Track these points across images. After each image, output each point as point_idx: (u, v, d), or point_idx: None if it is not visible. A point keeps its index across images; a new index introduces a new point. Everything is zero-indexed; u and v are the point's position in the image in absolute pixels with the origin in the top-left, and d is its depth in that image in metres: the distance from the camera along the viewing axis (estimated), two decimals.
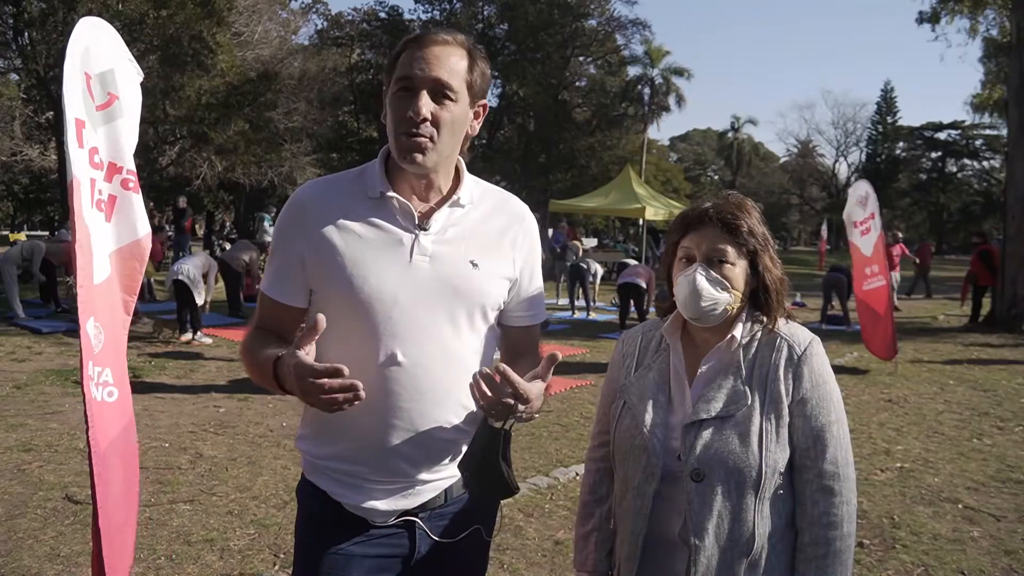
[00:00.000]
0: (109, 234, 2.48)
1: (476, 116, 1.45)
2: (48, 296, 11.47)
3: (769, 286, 1.46)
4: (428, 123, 1.34)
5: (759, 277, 1.46)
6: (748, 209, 1.47)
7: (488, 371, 1.29)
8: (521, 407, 1.29)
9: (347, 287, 1.35)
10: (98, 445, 2.18)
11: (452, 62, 1.36)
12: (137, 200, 2.57)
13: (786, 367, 1.41)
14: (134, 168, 2.57)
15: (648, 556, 1.44)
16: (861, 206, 8.39)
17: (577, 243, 14.43)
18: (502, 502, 1.61)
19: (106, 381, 2.33)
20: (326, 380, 1.20)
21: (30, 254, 10.99)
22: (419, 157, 1.35)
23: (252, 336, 1.46)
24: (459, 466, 1.36)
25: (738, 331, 1.45)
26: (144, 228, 2.59)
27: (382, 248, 1.38)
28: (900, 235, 17.38)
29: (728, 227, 1.43)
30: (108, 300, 2.44)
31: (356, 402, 1.22)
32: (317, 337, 1.26)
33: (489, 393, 1.28)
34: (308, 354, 1.25)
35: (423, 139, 1.34)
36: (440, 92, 1.34)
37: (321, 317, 1.25)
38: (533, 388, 1.31)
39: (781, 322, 1.47)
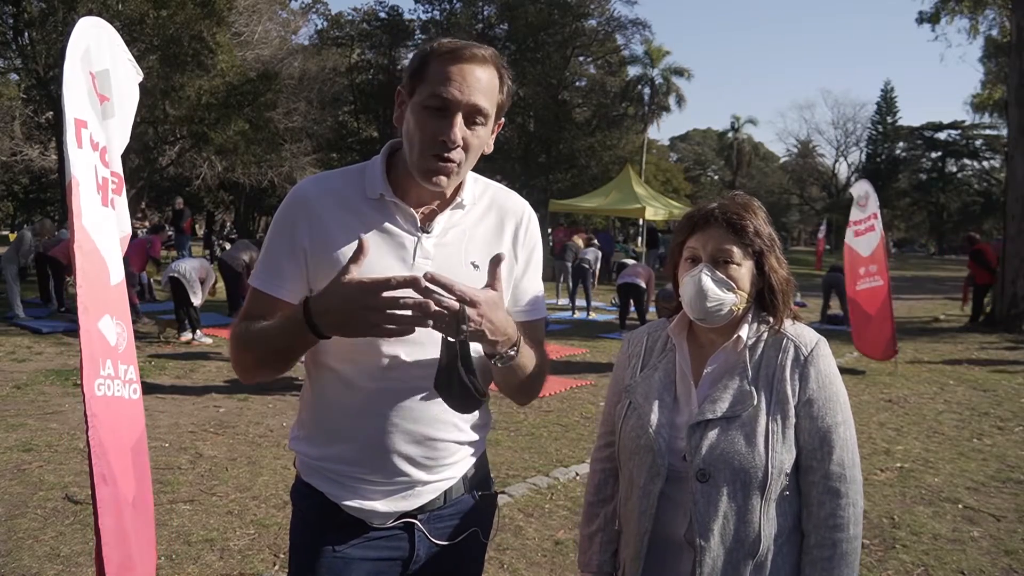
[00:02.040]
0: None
1: (492, 133, 1.42)
2: (48, 296, 11.48)
3: (775, 287, 1.45)
4: (460, 148, 1.31)
5: (765, 278, 1.45)
6: (754, 210, 1.46)
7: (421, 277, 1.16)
8: (471, 312, 1.18)
9: None
10: (105, 442, 2.18)
11: (486, 83, 1.31)
12: (120, 202, 2.57)
13: (792, 368, 1.41)
14: (120, 170, 2.56)
15: (653, 557, 1.44)
16: (860, 206, 8.39)
17: (578, 242, 14.37)
18: (500, 504, 1.60)
19: (132, 379, 2.34)
20: (400, 293, 1.11)
21: (29, 246, 11.13)
22: (444, 181, 1.32)
23: (244, 324, 1.37)
24: (434, 385, 1.27)
25: (744, 332, 1.44)
26: (124, 229, 2.58)
27: (384, 250, 1.36)
28: None
29: (734, 227, 1.43)
30: (124, 298, 2.45)
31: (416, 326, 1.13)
32: (364, 261, 1.17)
33: (424, 299, 1.14)
34: None
35: (451, 164, 1.31)
36: (474, 117, 1.31)
37: (366, 238, 1.18)
38: (480, 292, 1.20)
39: (787, 323, 1.46)
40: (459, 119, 1.29)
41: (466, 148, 1.32)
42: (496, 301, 1.24)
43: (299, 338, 1.24)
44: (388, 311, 1.13)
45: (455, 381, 1.23)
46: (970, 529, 3.94)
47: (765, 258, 1.44)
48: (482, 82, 1.30)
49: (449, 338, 1.22)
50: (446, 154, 1.29)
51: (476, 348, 1.30)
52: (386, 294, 1.12)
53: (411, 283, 1.11)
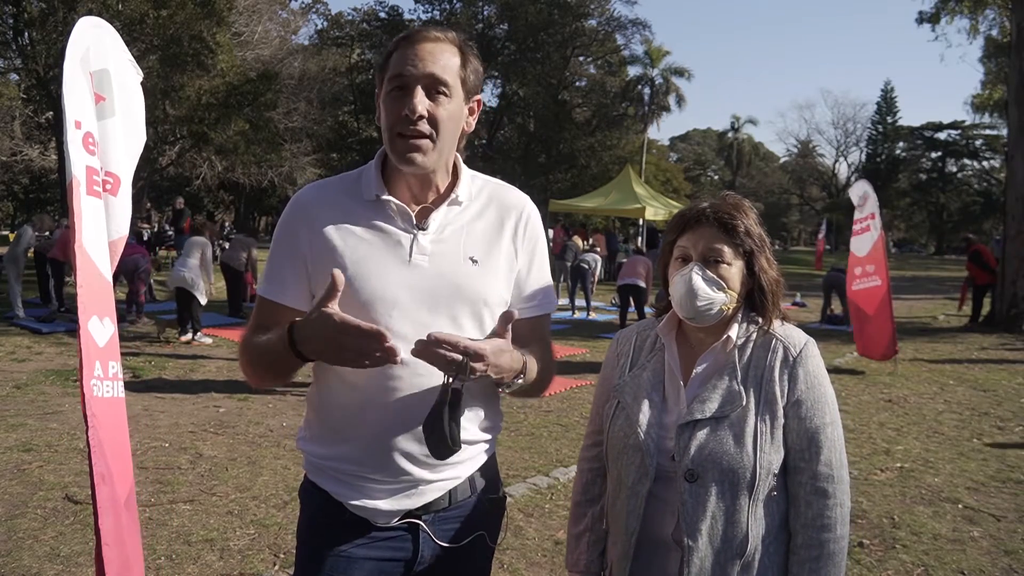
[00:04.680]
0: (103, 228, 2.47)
1: (471, 112, 1.43)
2: (48, 297, 11.47)
3: (765, 287, 1.45)
4: (425, 121, 1.32)
5: (755, 278, 1.46)
6: (745, 210, 1.47)
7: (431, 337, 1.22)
8: (477, 365, 1.23)
9: (348, 289, 1.33)
10: (103, 442, 2.17)
11: (445, 58, 1.34)
12: (113, 202, 2.55)
13: (781, 368, 1.41)
14: (116, 171, 2.55)
15: (641, 556, 1.44)
16: (859, 206, 8.40)
17: (578, 243, 14.37)
18: (505, 506, 1.60)
19: (116, 374, 2.34)
20: (368, 341, 1.17)
21: (30, 239, 11.12)
22: (418, 158, 1.33)
23: (251, 335, 1.42)
24: (422, 425, 1.31)
25: (733, 332, 1.45)
26: (117, 231, 2.56)
27: (382, 249, 1.37)
28: None
29: (725, 227, 1.43)
30: (112, 296, 2.45)
31: (387, 364, 1.20)
32: (339, 295, 1.21)
33: (391, 347, 1.19)
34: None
35: (422, 139, 1.32)
36: (435, 88, 1.33)
37: (338, 273, 1.21)
38: (486, 344, 1.25)
39: (776, 323, 1.47)
40: (419, 92, 1.32)
41: (434, 122, 1.33)
42: (503, 348, 1.29)
43: (289, 359, 1.29)
44: (358, 352, 1.18)
45: (437, 425, 1.27)
46: (970, 529, 3.94)
47: (755, 258, 1.45)
48: (436, 56, 1.33)
49: (450, 379, 1.26)
50: (412, 128, 1.31)
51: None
52: (359, 338, 1.17)
53: (376, 336, 1.16)
